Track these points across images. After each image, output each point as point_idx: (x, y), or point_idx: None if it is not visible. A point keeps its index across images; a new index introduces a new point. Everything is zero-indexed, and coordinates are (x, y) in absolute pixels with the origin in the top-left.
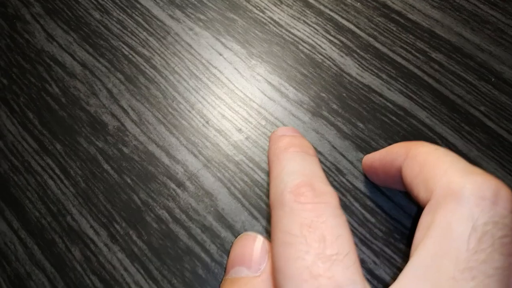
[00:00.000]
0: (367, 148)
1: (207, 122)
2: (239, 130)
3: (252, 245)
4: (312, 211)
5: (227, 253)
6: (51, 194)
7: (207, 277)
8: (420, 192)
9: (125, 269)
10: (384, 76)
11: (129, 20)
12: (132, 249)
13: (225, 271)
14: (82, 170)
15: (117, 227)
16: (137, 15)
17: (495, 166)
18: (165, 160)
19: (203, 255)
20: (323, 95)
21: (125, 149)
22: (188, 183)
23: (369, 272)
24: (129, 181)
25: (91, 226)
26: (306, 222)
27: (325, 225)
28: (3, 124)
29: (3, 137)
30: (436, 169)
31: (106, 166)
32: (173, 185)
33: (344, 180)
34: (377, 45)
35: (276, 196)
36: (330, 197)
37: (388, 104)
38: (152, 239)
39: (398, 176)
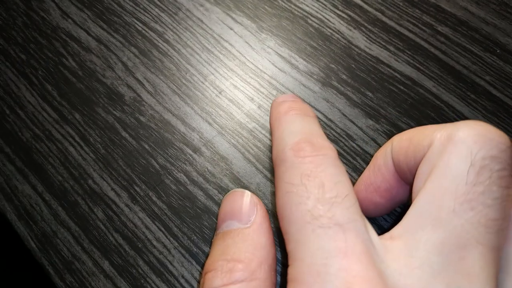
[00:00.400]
0: (376, 115)
1: (220, 93)
2: (251, 100)
3: (241, 199)
4: (311, 162)
5: None
6: (72, 160)
7: None
8: (412, 160)
9: (147, 227)
10: (391, 48)
11: None
12: (152, 209)
13: (216, 227)
14: (101, 138)
15: (137, 189)
16: None
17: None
18: (181, 128)
19: None
20: (333, 66)
21: (142, 118)
22: (204, 149)
23: (380, 228)
24: (147, 147)
25: (112, 189)
26: (306, 173)
27: (324, 174)
28: (23, 96)
29: (24, 108)
30: (426, 131)
31: (124, 133)
32: (189, 151)
33: (355, 145)
34: (384, 19)
35: (277, 154)
36: (328, 149)
37: (396, 74)
38: (171, 200)
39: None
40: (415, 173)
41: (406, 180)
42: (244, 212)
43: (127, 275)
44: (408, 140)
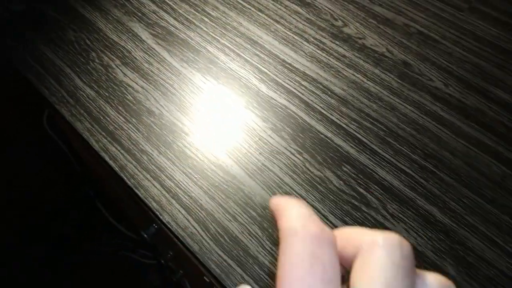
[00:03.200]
0: None
1: None
2: None
3: None
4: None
5: None
6: None
7: None
8: (350, 254)
9: None
10: None
11: None
12: None
13: None
14: None
15: None
16: None
17: None
18: None
19: None
20: None
21: None
22: None
23: None
24: None
25: None
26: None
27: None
28: None
29: None
30: (357, 235)
31: None
32: None
33: None
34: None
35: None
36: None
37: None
38: None
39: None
40: (352, 264)
41: (347, 265)
42: None
43: None
44: (345, 239)
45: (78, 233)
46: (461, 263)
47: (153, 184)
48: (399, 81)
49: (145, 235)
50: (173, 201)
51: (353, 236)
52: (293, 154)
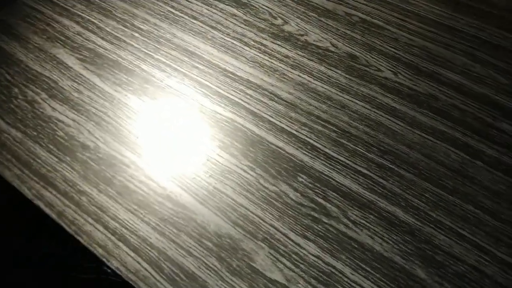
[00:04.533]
0: None
1: None
2: None
3: None
4: None
5: None
6: None
7: None
8: None
9: None
10: None
11: None
12: None
13: None
14: None
15: None
16: None
17: None
18: None
19: None
20: None
21: None
22: None
23: None
24: None
25: None
26: None
27: None
28: None
29: None
30: None
31: None
32: None
33: None
34: None
35: None
36: None
37: None
38: None
39: None
40: None
41: None
42: None
43: None
44: None
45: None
46: (430, 264)
47: (96, 228)
48: (346, 76)
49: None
50: (120, 244)
51: None
52: (245, 171)
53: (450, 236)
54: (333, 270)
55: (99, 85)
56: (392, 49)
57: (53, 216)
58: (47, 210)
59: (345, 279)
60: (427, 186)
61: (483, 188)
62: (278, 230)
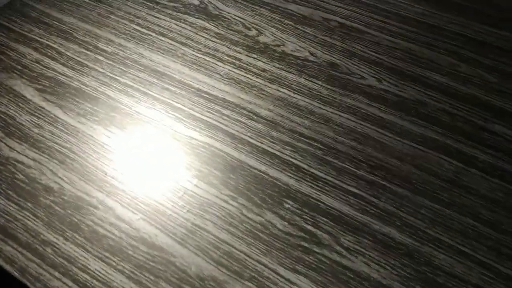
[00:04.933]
0: None
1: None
2: None
3: None
4: None
5: None
6: None
7: None
8: None
9: None
10: None
11: None
12: None
13: None
14: None
15: None
16: None
17: None
18: None
19: None
20: None
21: None
22: None
23: None
24: None
25: None
26: None
27: None
28: None
29: None
30: None
31: None
32: None
33: None
34: None
35: None
36: None
37: None
38: None
39: None
40: None
41: None
42: None
43: None
44: None
45: None
46: (432, 287)
47: (64, 283)
48: (328, 86)
49: None
50: None
51: None
52: (227, 202)
53: (450, 255)
54: None
55: (62, 118)
56: (374, 54)
57: (15, 273)
58: (8, 268)
59: None
60: (421, 201)
61: (480, 197)
62: (266, 266)
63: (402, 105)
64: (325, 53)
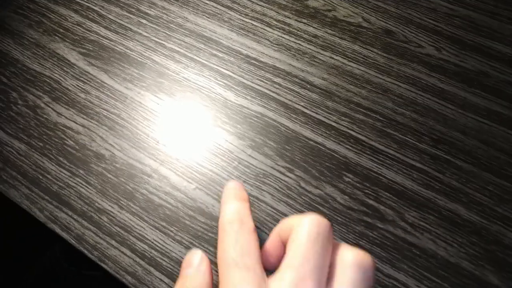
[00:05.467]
0: None
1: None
2: None
3: (194, 255)
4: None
5: None
6: None
7: None
8: (287, 236)
9: None
10: None
11: None
12: None
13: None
14: None
15: None
16: None
17: None
18: None
19: None
20: None
21: None
22: None
23: None
24: None
25: None
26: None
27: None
28: None
29: None
30: (292, 220)
31: None
32: None
33: None
34: None
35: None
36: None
37: None
38: None
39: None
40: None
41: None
42: (195, 264)
43: None
44: (286, 225)
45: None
46: (503, 267)
47: (122, 252)
48: (384, 55)
49: None
50: (151, 269)
51: (290, 221)
52: (283, 174)
53: None
54: (395, 283)
55: (108, 83)
56: (432, 21)
57: (72, 241)
58: (64, 235)
59: None
60: (488, 177)
61: None
62: None
63: (463, 76)
64: (380, 19)
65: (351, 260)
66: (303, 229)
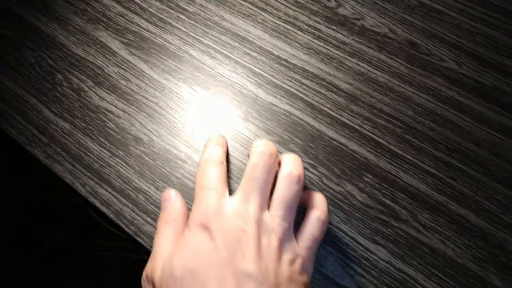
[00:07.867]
0: None
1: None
2: None
3: (170, 192)
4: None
5: None
6: None
7: None
8: None
9: None
10: None
11: None
12: None
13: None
14: None
15: None
16: None
17: None
18: None
19: None
20: None
21: None
22: None
23: None
24: None
25: None
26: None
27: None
28: None
29: None
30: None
31: None
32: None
33: None
34: None
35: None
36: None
37: None
38: None
39: None
40: None
41: None
42: (172, 196)
43: None
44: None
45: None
46: (505, 271)
47: (156, 228)
48: (408, 65)
49: None
50: None
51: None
52: (307, 169)
53: None
54: (405, 277)
55: (147, 73)
56: (454, 37)
57: (111, 215)
58: (104, 209)
59: (418, 286)
60: (497, 187)
61: None
62: (346, 233)
63: (481, 91)
64: (405, 31)
65: (282, 172)
66: (251, 153)
